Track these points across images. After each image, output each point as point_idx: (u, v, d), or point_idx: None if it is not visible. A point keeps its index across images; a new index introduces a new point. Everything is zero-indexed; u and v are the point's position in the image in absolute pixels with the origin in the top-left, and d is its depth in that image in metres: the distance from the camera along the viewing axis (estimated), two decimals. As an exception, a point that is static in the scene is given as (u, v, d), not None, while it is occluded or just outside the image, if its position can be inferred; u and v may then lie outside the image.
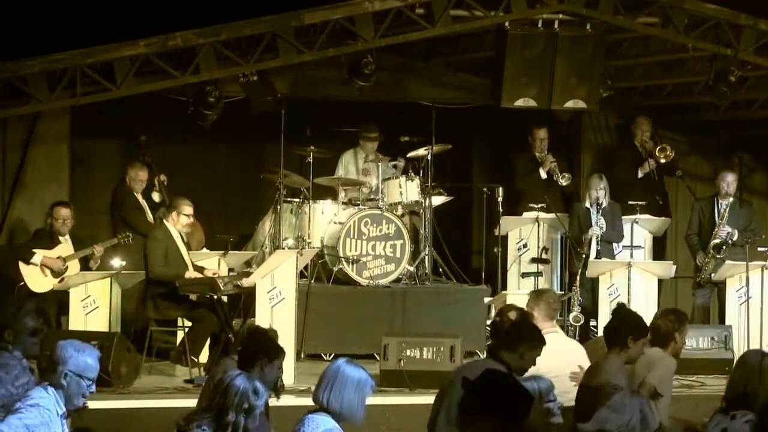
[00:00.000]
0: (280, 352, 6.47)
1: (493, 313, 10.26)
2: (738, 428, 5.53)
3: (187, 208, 10.61)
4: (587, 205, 11.71)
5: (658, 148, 12.46)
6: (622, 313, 6.89)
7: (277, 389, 6.53)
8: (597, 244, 11.57)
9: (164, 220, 10.67)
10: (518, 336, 6.46)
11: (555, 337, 7.65)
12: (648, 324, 7.05)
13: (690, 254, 12.07)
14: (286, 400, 6.88)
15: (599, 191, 11.65)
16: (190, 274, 10.43)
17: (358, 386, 5.65)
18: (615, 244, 11.87)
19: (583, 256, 11.47)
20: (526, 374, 6.36)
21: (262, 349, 6.39)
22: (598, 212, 11.62)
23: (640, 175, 12.58)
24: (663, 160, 12.45)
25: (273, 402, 6.27)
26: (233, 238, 11.56)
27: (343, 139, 12.80)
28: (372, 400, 5.83)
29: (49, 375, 5.54)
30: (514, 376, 4.68)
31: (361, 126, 12.54)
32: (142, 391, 9.67)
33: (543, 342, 6.55)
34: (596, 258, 11.49)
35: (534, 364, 6.46)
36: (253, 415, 5.24)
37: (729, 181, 11.66)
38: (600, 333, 10.93)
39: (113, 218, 11.78)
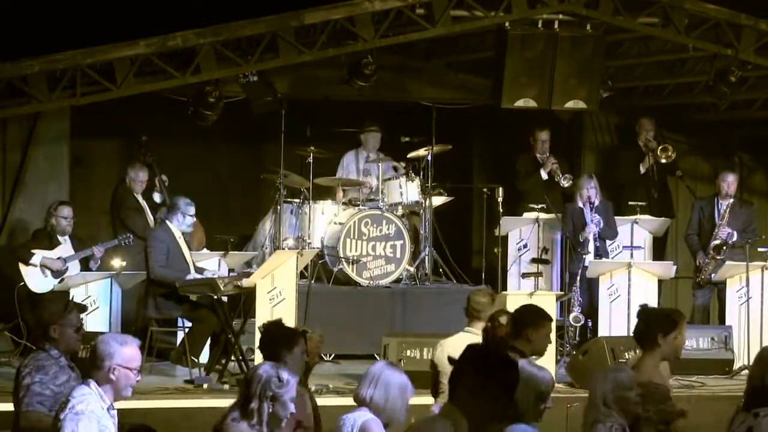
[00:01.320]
0: (298, 338, 6.50)
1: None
2: (765, 427, 5.50)
3: (191, 209, 10.63)
4: (580, 204, 11.69)
5: (660, 147, 12.46)
6: (645, 313, 6.86)
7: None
8: (595, 241, 11.55)
9: (167, 221, 10.66)
10: (520, 321, 6.79)
11: (465, 337, 7.65)
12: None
13: (690, 254, 12.06)
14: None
15: (590, 190, 11.63)
16: (192, 276, 10.43)
17: (401, 388, 5.71)
18: (611, 243, 11.86)
19: (583, 256, 11.46)
20: None
21: (278, 340, 6.42)
22: (591, 210, 11.60)
23: (642, 171, 12.58)
24: (664, 161, 12.45)
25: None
26: (233, 239, 11.55)
27: (343, 139, 12.79)
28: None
29: (94, 372, 5.49)
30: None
31: (364, 123, 12.54)
32: (142, 391, 9.64)
33: (547, 320, 6.83)
34: (595, 256, 11.47)
35: (549, 342, 6.83)
36: (280, 402, 5.30)
37: (729, 182, 11.65)
38: (599, 333, 10.98)
39: (113, 218, 11.77)
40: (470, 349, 4.72)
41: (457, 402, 4.60)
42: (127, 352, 5.52)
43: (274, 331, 6.58)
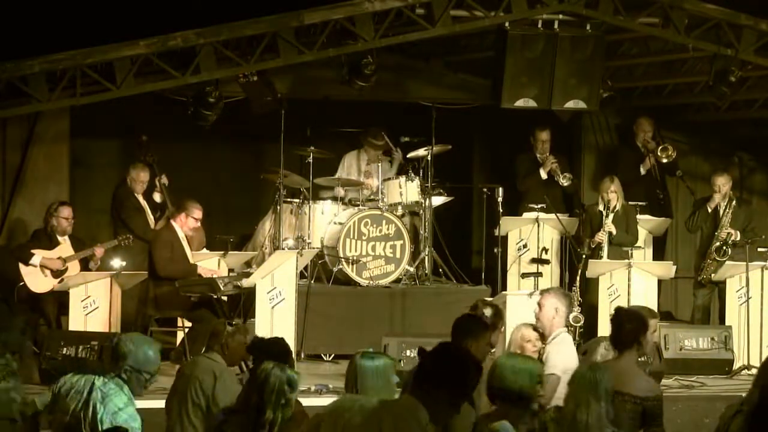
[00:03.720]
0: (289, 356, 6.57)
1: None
2: None
3: (197, 212, 10.67)
4: (600, 208, 11.65)
5: (660, 147, 12.45)
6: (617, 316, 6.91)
7: None
8: (601, 249, 11.50)
9: (171, 220, 10.68)
10: (460, 331, 6.74)
11: None
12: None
13: (689, 250, 12.04)
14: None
15: (610, 194, 11.55)
16: (203, 271, 10.47)
17: (376, 374, 5.72)
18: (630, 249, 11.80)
19: (583, 256, 11.45)
20: None
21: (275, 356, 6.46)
22: (606, 216, 11.54)
23: (642, 172, 12.56)
24: (665, 160, 12.44)
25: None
26: (233, 239, 11.57)
27: (343, 139, 12.79)
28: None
29: (113, 367, 5.79)
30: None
31: (369, 130, 12.50)
32: (141, 391, 9.65)
33: (484, 331, 6.75)
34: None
35: (489, 350, 6.74)
36: (290, 405, 5.35)
37: (720, 183, 11.63)
38: (599, 333, 10.97)
39: (113, 219, 11.77)
40: (441, 348, 5.06)
41: (418, 393, 4.96)
42: (141, 356, 5.73)
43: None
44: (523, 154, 12.74)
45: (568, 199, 12.81)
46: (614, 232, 11.50)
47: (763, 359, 6.02)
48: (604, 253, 11.49)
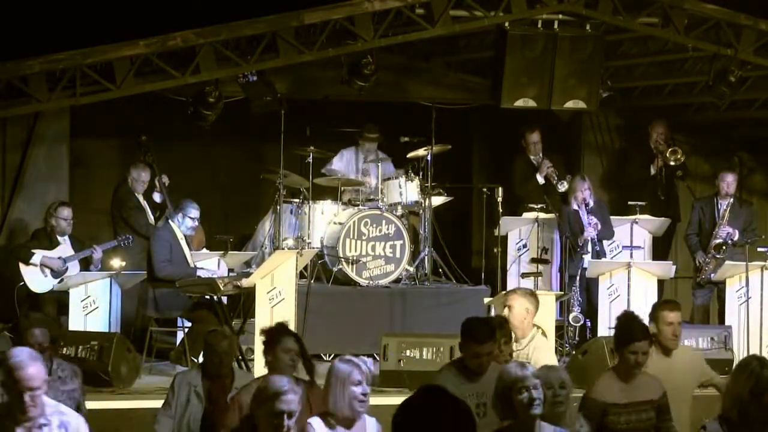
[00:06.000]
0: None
1: (493, 313, 10.28)
2: None
3: (194, 212, 10.66)
4: (575, 207, 11.68)
5: (670, 150, 12.46)
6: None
7: None
8: (596, 244, 11.55)
9: (170, 220, 10.70)
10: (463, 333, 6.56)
11: None
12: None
13: (690, 254, 12.07)
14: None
15: (585, 191, 11.62)
16: (203, 274, 10.47)
17: (337, 379, 5.63)
18: (610, 243, 11.86)
19: (583, 256, 11.46)
20: None
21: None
22: (587, 212, 11.59)
23: (652, 172, 12.57)
24: (673, 163, 12.46)
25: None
26: (233, 239, 11.56)
27: (343, 139, 12.80)
28: (373, 400, 5.81)
29: None
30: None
31: (364, 126, 12.54)
32: (142, 391, 9.67)
33: (489, 338, 6.47)
34: (596, 258, 11.47)
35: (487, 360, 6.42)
36: None
37: (729, 182, 11.66)
38: (599, 334, 10.98)
39: (114, 218, 11.77)
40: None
41: None
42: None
43: None
44: (519, 156, 12.75)
45: (567, 200, 12.81)
46: (600, 226, 11.56)
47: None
48: (590, 251, 11.51)
